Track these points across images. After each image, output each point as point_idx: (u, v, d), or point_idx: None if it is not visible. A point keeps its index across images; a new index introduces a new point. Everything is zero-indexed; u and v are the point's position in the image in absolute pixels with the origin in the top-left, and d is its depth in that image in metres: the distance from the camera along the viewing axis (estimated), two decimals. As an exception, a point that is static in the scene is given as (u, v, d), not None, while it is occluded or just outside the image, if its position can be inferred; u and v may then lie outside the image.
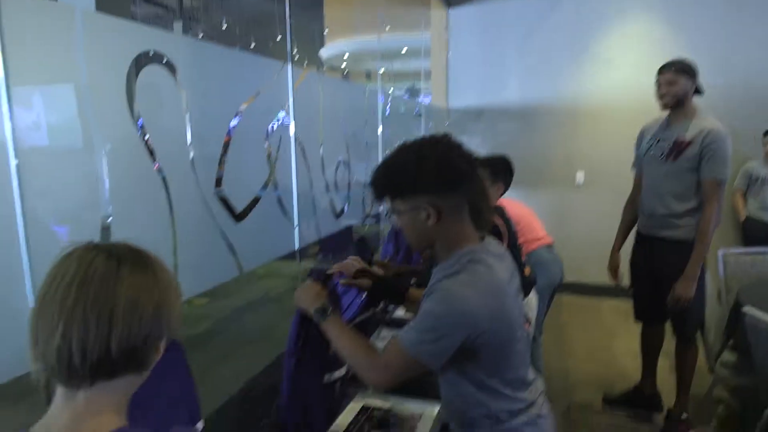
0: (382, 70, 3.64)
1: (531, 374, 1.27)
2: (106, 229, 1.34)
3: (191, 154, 1.68)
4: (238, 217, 1.92)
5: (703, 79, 2.49)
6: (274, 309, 4.57)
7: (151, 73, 1.48)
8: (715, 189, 2.35)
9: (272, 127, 2.13)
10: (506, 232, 2.04)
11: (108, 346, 0.64)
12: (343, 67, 9.68)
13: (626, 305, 3.08)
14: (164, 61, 1.51)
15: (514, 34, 4.65)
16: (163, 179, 1.57)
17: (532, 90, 4.65)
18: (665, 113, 2.55)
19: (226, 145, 1.83)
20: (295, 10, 2.40)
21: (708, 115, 2.43)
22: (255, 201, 2.04)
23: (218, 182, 1.85)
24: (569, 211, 4.62)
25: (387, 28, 7.01)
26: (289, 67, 2.13)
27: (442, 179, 1.14)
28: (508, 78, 4.71)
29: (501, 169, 2.37)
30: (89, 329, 0.63)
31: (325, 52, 8.72)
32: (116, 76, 1.37)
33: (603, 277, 3.89)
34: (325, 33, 8.31)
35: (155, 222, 1.55)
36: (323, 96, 2.56)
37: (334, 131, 2.76)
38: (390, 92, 3.84)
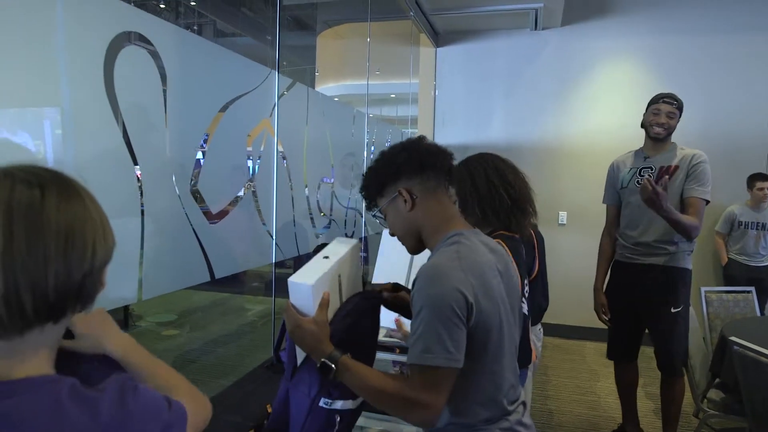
0: (370, 115, 3.68)
1: (515, 380, 1.16)
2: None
3: (168, 147, 1.63)
4: (214, 218, 1.84)
5: (683, 126, 2.57)
6: (246, 342, 4.39)
7: (131, 55, 1.44)
8: (699, 207, 2.36)
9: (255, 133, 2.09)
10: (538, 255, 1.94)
11: (45, 290, 0.56)
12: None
13: (609, 346, 3.00)
14: (146, 46, 1.48)
15: (501, 73, 4.72)
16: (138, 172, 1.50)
17: (516, 128, 4.70)
18: (633, 148, 2.63)
19: (206, 143, 1.78)
20: (286, 53, 2.44)
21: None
22: (232, 204, 1.97)
23: (195, 180, 1.79)
24: (552, 251, 4.57)
25: (377, 73, 7.18)
26: (276, 74, 2.12)
27: (406, 161, 1.12)
28: (493, 116, 4.77)
29: None
30: (22, 272, 0.55)
31: (315, 94, 8.86)
32: (94, 54, 1.32)
33: (585, 319, 3.82)
34: (316, 75, 8.47)
35: (122, 212, 1.47)
36: (310, 110, 2.54)
37: (319, 147, 2.73)
38: (376, 121, 3.86)
